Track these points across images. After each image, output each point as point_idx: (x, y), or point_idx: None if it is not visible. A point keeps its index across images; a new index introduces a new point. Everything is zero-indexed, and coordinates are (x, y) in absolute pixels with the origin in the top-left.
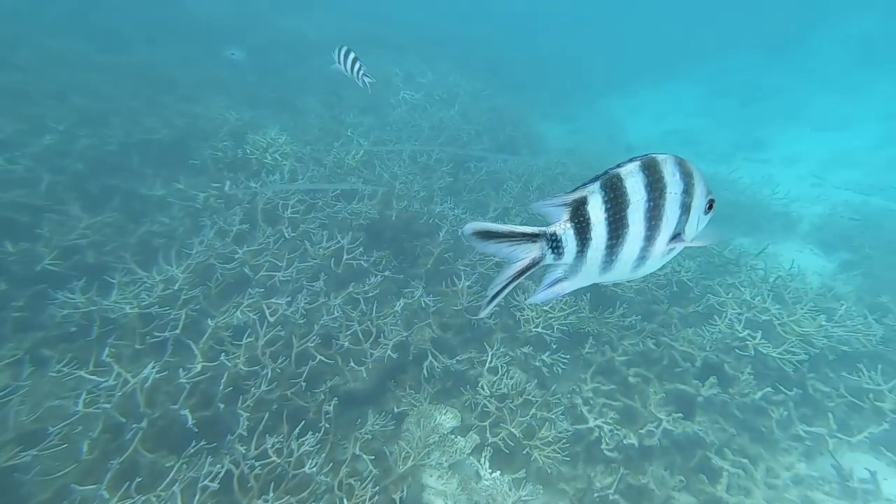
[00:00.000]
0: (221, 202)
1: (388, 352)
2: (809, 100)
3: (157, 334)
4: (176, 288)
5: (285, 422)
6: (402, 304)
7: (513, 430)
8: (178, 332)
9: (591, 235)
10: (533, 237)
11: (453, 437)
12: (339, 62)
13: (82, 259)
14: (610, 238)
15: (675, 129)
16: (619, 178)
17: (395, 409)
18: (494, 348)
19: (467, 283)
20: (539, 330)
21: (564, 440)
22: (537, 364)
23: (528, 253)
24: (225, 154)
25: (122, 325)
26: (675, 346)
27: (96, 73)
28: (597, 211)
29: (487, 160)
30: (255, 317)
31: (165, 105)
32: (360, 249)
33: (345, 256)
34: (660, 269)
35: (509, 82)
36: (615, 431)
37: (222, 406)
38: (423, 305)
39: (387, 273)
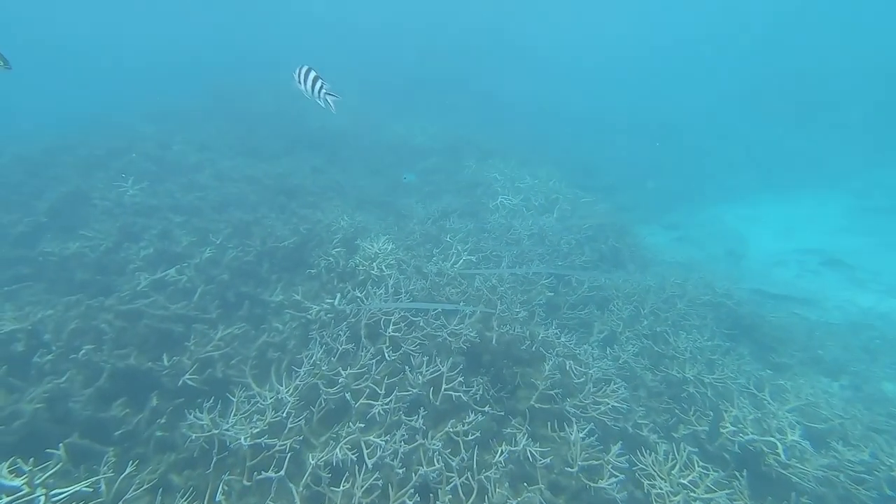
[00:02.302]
0: (331, 316)
1: None
2: None
3: (263, 473)
4: (284, 414)
5: None
6: (505, 453)
7: None
8: (282, 472)
9: None
10: None
11: None
12: (300, 82)
13: (213, 373)
14: None
15: (814, 249)
16: None
17: None
18: None
19: (581, 435)
20: None
21: None
22: None
23: None
24: (337, 263)
25: (236, 453)
26: None
27: (248, 186)
28: None
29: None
30: (353, 456)
31: (294, 211)
32: (460, 379)
33: (444, 386)
34: None
35: (606, 184)
36: None
37: None
38: (530, 458)
39: (487, 409)
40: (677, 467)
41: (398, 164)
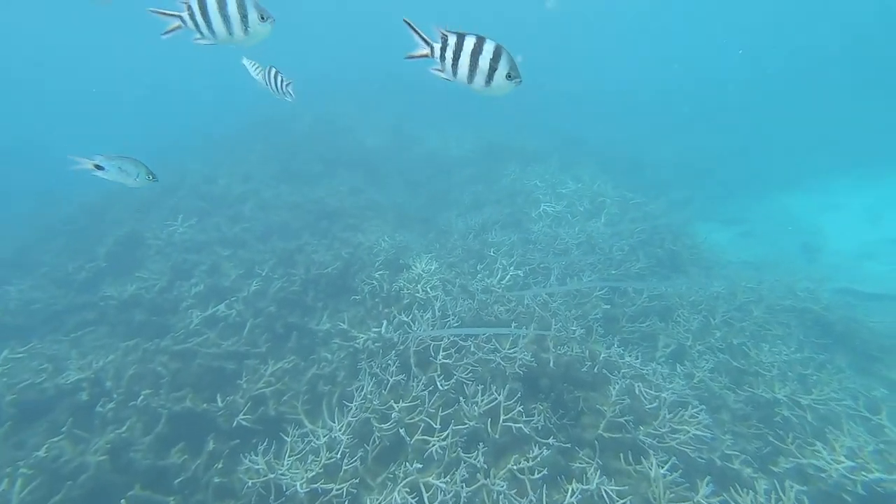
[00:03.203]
0: (379, 345)
1: None
2: None
3: None
4: (338, 455)
5: None
6: (577, 493)
7: None
8: None
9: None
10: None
11: None
12: (260, 77)
13: (266, 411)
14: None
15: None
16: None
17: None
18: None
19: (662, 471)
20: None
21: None
22: None
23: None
24: (381, 287)
25: (293, 498)
26: None
27: (289, 213)
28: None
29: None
30: (413, 500)
31: (335, 235)
32: (519, 408)
33: (502, 416)
34: None
35: (655, 181)
36: None
37: None
38: (605, 497)
39: (552, 441)
40: None
41: (435, 177)
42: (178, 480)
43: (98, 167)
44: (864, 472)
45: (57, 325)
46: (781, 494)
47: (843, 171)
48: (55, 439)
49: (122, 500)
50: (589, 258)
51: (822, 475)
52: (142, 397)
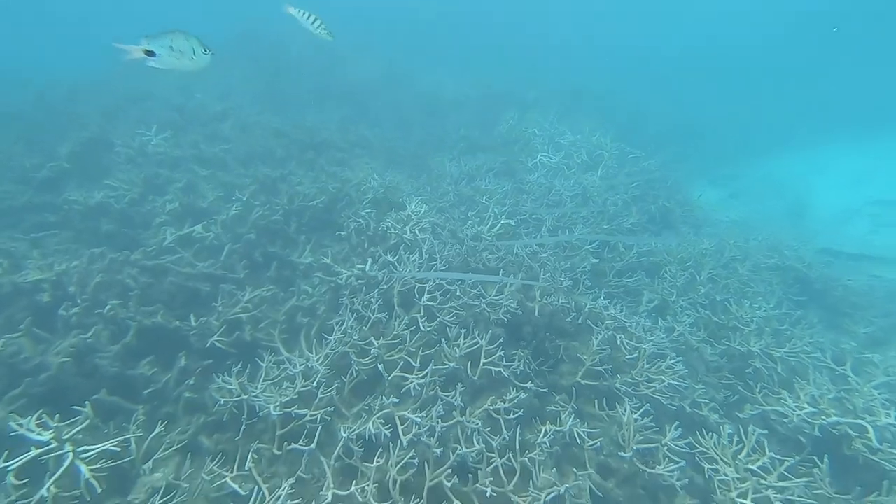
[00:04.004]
0: (362, 282)
1: None
2: None
3: (294, 444)
4: (314, 384)
5: None
6: (550, 433)
7: None
8: (313, 445)
9: None
10: None
11: None
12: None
13: (241, 336)
14: None
15: (891, 200)
16: None
17: None
18: None
19: (635, 416)
20: (745, 503)
21: None
22: None
23: None
24: (367, 225)
25: (265, 419)
26: None
27: (275, 140)
28: None
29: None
30: (387, 431)
31: (322, 168)
32: (500, 353)
33: (483, 360)
34: None
35: (653, 137)
36: None
37: None
38: (577, 439)
39: (529, 386)
40: (745, 451)
41: (429, 117)
42: (147, 391)
43: (149, 53)
44: (822, 417)
45: (14, 222)
46: (743, 437)
47: (831, 137)
48: (13, 335)
49: (88, 403)
50: (582, 211)
51: (784, 420)
52: (109, 307)
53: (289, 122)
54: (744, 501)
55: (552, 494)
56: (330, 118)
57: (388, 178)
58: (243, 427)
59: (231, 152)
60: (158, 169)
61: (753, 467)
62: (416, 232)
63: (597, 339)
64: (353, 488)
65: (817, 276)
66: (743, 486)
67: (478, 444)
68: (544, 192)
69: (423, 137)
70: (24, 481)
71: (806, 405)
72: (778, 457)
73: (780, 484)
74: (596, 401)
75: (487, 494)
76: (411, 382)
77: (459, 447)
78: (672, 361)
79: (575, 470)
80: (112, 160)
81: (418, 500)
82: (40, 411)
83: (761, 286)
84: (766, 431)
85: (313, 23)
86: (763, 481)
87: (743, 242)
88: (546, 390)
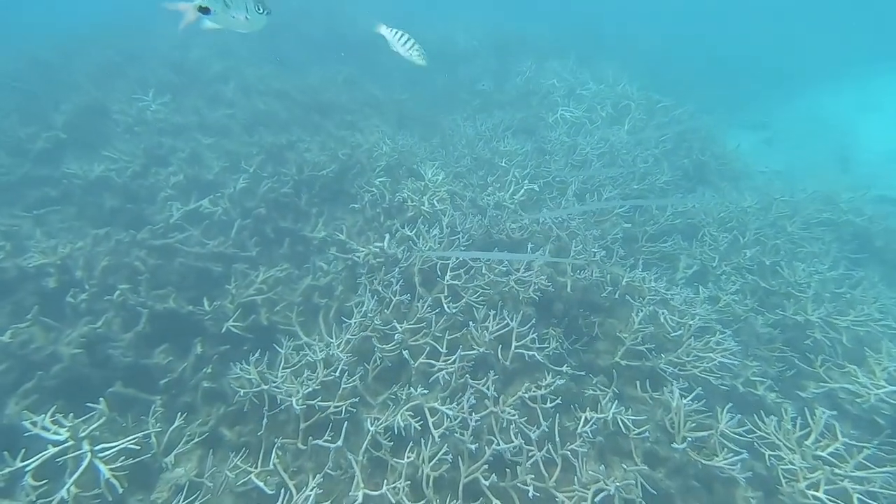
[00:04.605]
0: (380, 260)
1: None
2: None
3: (319, 441)
4: (337, 374)
5: None
6: (591, 421)
7: None
8: (340, 442)
9: None
10: None
11: None
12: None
13: (258, 320)
14: None
15: None
16: None
17: None
18: None
19: (685, 401)
20: (817, 495)
21: None
22: None
23: None
24: (382, 196)
25: (288, 410)
26: None
27: (277, 101)
28: None
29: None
30: (417, 425)
31: (330, 133)
32: (533, 335)
33: (514, 343)
34: None
35: (679, 82)
36: None
37: None
38: (622, 427)
39: (566, 370)
40: (812, 436)
41: (440, 71)
42: (163, 381)
43: (203, 11)
44: None
45: (13, 199)
46: (810, 420)
47: (883, 69)
48: (22, 325)
49: (102, 400)
50: (610, 171)
51: (858, 400)
52: (118, 292)
53: (291, 82)
54: (816, 494)
55: (602, 495)
56: (335, 76)
57: (400, 142)
58: (265, 419)
59: (234, 118)
60: (160, 138)
61: (824, 454)
62: (435, 203)
63: (637, 316)
64: (384, 489)
65: (879, 230)
66: (813, 475)
67: (515, 438)
68: (568, 152)
69: (433, 94)
70: (42, 482)
71: (883, 382)
72: (854, 442)
73: (859, 474)
74: (638, 382)
75: (530, 495)
76: (439, 370)
77: (495, 440)
78: (721, 336)
79: (623, 465)
80: (111, 129)
81: (454, 500)
82: (54, 407)
83: (815, 245)
84: (834, 412)
85: (405, 44)
86: (838, 471)
87: (790, 196)
88: (583, 373)
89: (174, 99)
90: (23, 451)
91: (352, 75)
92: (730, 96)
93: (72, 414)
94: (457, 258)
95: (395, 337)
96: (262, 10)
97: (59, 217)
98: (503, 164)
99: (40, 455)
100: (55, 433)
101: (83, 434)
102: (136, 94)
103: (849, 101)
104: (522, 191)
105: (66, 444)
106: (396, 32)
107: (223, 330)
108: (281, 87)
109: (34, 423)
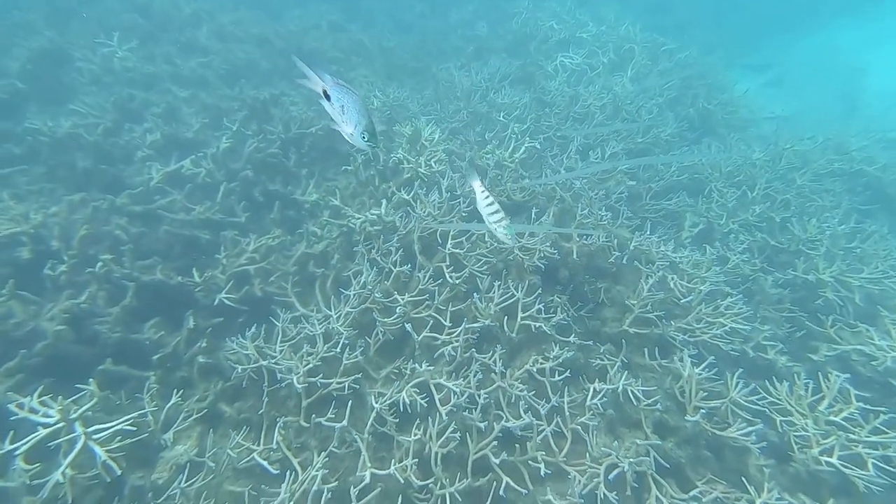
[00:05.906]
0: (378, 228)
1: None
2: None
3: (322, 420)
4: (338, 350)
5: None
6: (601, 393)
7: None
8: (345, 422)
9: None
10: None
11: None
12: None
13: (251, 291)
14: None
15: None
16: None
17: None
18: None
19: (697, 370)
20: (830, 461)
21: None
22: None
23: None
24: (376, 156)
25: (289, 386)
26: None
27: (257, 49)
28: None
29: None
30: (423, 402)
31: None
32: (539, 306)
33: (519, 314)
34: None
35: (678, 21)
36: None
37: None
38: (633, 398)
39: (573, 340)
40: (826, 401)
41: (429, 15)
42: (156, 357)
43: (326, 95)
44: None
45: None
46: (823, 384)
47: None
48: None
49: (92, 381)
50: (613, 126)
51: (873, 363)
52: (101, 264)
53: (272, 28)
54: (829, 460)
55: (615, 472)
56: (318, 21)
57: (391, 95)
58: (265, 395)
59: (210, 67)
60: (130, 90)
61: (838, 419)
62: (433, 164)
63: (647, 283)
64: (392, 468)
65: (891, 178)
66: (826, 441)
67: (524, 414)
68: (568, 103)
69: (423, 40)
70: (35, 465)
71: None
72: (870, 407)
73: (874, 439)
74: (647, 350)
75: (542, 472)
76: (444, 343)
77: (503, 415)
78: (732, 300)
79: (634, 438)
80: (75, 79)
81: (464, 478)
82: (41, 387)
83: (826, 198)
84: (847, 375)
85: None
86: (852, 436)
87: (799, 145)
88: (590, 342)
89: (143, 45)
90: (11, 433)
91: (336, 19)
92: (730, 36)
93: (60, 396)
94: (460, 229)
95: (398, 310)
96: (364, 137)
97: (26, 179)
98: (501, 118)
99: (29, 438)
100: (44, 416)
101: (75, 415)
102: (100, 39)
103: (862, 37)
104: (523, 148)
105: (57, 426)
106: (484, 191)
107: (216, 302)
108: (260, 32)
109: (21, 406)
